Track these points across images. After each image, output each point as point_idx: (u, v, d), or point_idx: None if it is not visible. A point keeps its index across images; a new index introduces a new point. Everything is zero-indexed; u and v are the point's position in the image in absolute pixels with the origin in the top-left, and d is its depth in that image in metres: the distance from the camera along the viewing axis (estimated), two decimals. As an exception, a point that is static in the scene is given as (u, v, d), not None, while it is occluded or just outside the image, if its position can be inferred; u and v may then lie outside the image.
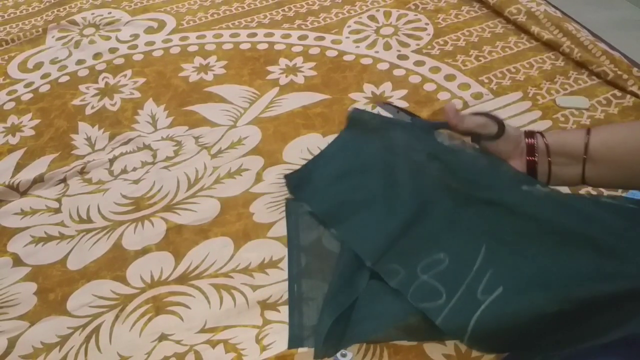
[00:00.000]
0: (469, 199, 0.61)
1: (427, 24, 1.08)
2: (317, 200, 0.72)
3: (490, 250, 0.58)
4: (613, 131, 0.61)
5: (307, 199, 0.73)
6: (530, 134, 0.61)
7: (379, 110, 0.77)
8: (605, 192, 0.72)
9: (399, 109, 0.71)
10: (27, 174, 0.84)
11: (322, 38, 1.07)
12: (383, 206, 0.67)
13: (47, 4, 1.26)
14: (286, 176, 0.76)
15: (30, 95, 1.01)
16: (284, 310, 0.64)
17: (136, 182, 0.82)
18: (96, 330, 0.64)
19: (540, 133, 0.61)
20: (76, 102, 0.98)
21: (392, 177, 0.68)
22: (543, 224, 0.56)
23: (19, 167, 0.86)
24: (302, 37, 1.07)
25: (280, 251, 0.70)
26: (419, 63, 0.98)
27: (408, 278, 0.60)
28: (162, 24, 1.15)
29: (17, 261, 0.73)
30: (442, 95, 0.91)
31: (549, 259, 0.55)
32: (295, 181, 0.76)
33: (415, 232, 0.63)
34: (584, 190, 0.73)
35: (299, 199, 0.74)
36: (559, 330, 0.52)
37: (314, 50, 1.04)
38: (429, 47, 1.02)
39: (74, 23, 1.18)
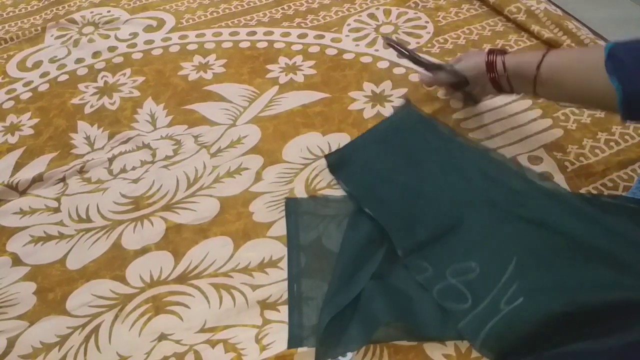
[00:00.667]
0: (507, 214, 0.63)
1: (427, 22, 1.08)
2: (354, 181, 0.74)
3: (519, 264, 0.59)
4: (563, 56, 0.70)
5: (344, 179, 0.75)
6: (490, 52, 0.74)
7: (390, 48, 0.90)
8: (606, 191, 0.72)
9: (408, 50, 0.85)
10: (26, 173, 0.84)
11: (322, 36, 1.06)
12: (425, 204, 0.68)
13: (46, 2, 1.26)
14: (326, 156, 0.78)
15: (29, 94, 1.00)
16: (284, 310, 0.64)
17: (135, 181, 0.81)
18: (95, 330, 0.64)
19: (504, 52, 0.73)
20: (75, 101, 0.98)
21: (436, 176, 0.70)
22: (572, 240, 0.58)
23: (18, 166, 0.86)
24: (302, 36, 1.07)
25: (280, 251, 0.70)
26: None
27: (435, 277, 0.62)
28: (161, 23, 1.15)
29: (16, 261, 0.73)
30: (443, 94, 0.90)
31: (571, 273, 0.56)
32: (334, 160, 0.77)
33: (451, 238, 0.64)
34: (584, 189, 0.73)
35: (336, 178, 0.76)
36: (565, 333, 0.52)
37: (314, 49, 1.03)
38: (429, 45, 1.02)
39: (73, 22, 1.17)
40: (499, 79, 0.72)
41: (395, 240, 0.66)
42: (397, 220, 0.68)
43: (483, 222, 0.65)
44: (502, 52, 0.73)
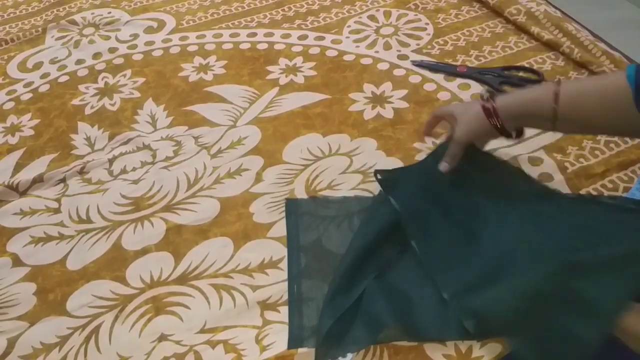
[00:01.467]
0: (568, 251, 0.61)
1: (427, 23, 1.08)
2: (406, 203, 0.70)
3: None
4: (580, 89, 0.63)
5: (394, 197, 0.71)
6: (483, 98, 0.67)
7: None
8: (606, 192, 0.73)
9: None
10: (27, 174, 0.84)
11: (322, 38, 1.06)
12: (478, 245, 0.65)
13: (47, 3, 1.26)
14: (376, 172, 0.75)
15: (30, 95, 1.01)
16: (284, 310, 0.64)
17: (136, 182, 0.81)
18: (96, 330, 0.64)
19: (493, 95, 0.67)
20: (76, 101, 0.98)
21: (491, 217, 0.67)
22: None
23: (18, 167, 0.86)
24: (302, 37, 1.07)
25: (280, 251, 0.70)
26: (419, 63, 0.98)
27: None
28: (161, 24, 1.15)
29: (17, 261, 0.73)
30: (442, 95, 0.91)
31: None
32: (386, 177, 0.74)
33: (503, 280, 0.61)
34: (584, 190, 0.73)
35: (387, 194, 0.72)
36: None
37: (314, 50, 1.03)
38: (429, 46, 1.02)
39: (74, 23, 1.18)
40: (503, 123, 0.65)
41: (441, 282, 0.63)
42: (445, 259, 0.65)
43: (534, 259, 0.61)
44: (491, 96, 0.67)
